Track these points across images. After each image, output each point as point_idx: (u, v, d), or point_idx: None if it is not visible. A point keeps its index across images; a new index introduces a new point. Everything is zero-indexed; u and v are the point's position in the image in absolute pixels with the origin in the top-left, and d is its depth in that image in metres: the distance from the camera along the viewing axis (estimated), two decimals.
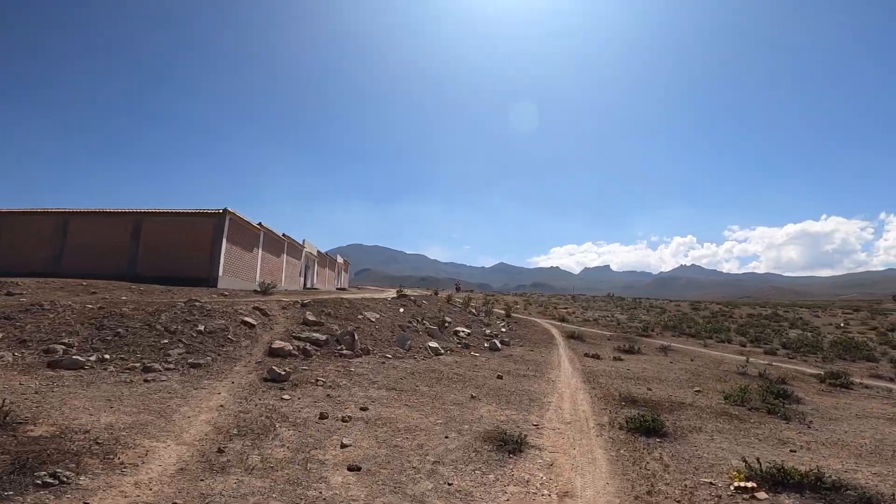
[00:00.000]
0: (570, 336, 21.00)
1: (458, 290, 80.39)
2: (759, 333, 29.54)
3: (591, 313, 39.33)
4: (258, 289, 23.01)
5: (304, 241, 44.70)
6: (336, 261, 60.07)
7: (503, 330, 20.81)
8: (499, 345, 15.61)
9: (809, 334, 31.34)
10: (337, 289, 49.11)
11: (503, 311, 31.09)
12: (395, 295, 24.74)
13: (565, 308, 43.44)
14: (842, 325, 39.28)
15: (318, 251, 49.76)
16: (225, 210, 24.68)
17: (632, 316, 38.29)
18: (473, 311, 25.21)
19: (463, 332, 17.27)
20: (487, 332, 19.03)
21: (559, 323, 28.32)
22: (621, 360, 15.42)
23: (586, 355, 15.66)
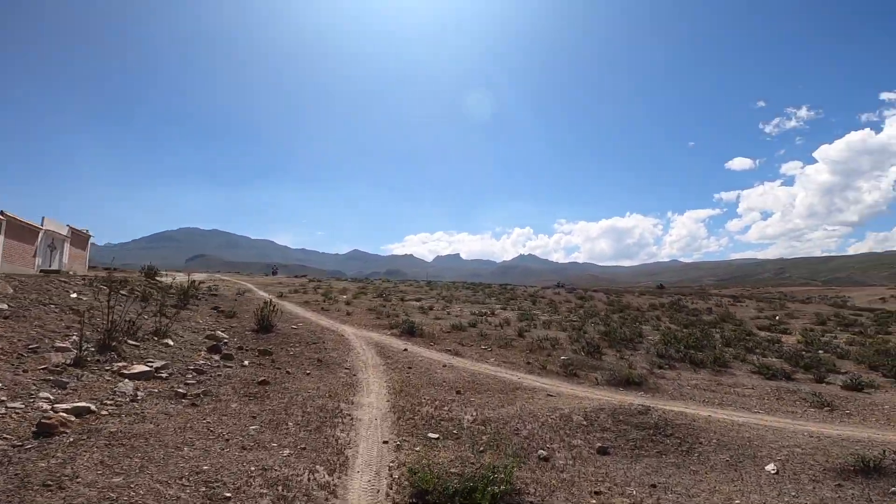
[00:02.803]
0: None
1: (274, 273, 59.41)
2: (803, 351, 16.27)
3: (465, 310, 22.76)
4: None
5: None
6: (24, 225, 33.69)
7: None
8: None
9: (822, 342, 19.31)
10: (41, 271, 25.06)
11: None
12: None
13: (417, 300, 26.56)
14: (777, 317, 29.83)
15: None
16: None
17: (527, 319, 22.85)
18: None
19: None
20: None
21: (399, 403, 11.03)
22: None
23: None
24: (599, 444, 5.23)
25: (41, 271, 25.58)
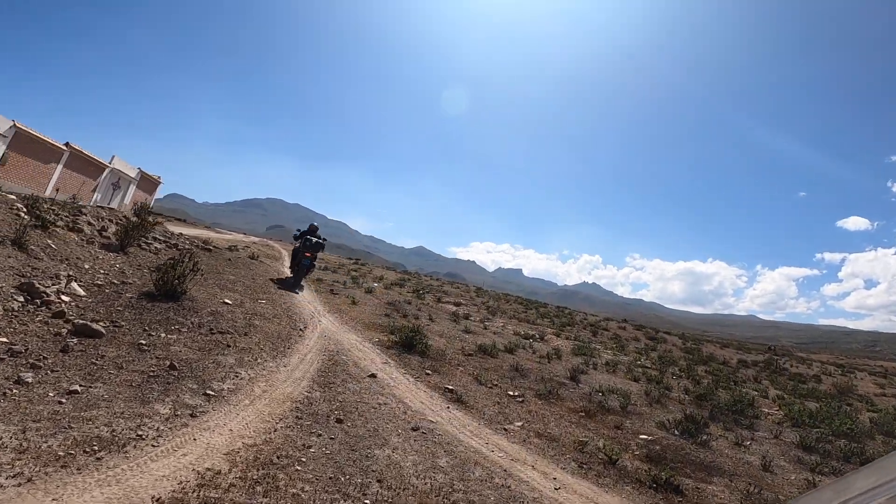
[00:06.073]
0: None
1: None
2: None
3: (507, 327, 18.06)
4: None
5: None
6: (90, 160, 32.95)
7: None
8: None
9: None
10: (96, 206, 23.88)
11: None
12: None
13: (456, 304, 22.17)
14: None
15: None
16: None
17: (584, 353, 17.68)
18: None
19: None
20: None
21: None
22: None
23: None
24: None
25: (98, 207, 24.45)
